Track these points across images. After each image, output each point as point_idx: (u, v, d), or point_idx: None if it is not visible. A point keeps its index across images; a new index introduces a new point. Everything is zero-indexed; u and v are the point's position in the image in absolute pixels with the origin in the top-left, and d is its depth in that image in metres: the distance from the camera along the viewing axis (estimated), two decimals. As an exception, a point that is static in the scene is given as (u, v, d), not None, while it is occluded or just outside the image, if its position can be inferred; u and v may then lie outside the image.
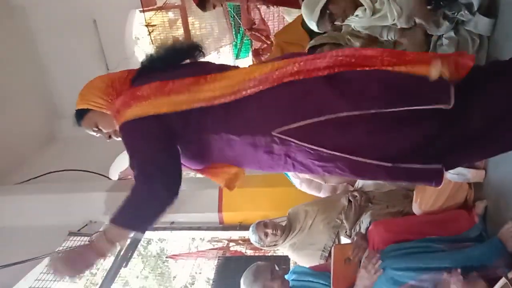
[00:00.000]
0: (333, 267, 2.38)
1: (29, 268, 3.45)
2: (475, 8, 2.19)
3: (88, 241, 1.50)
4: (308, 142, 1.51)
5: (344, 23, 2.59)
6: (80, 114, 1.73)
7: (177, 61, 1.75)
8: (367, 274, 2.11)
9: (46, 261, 3.54)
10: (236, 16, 6.85)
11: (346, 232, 2.78)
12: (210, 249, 5.42)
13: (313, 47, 2.78)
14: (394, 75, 1.45)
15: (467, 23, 2.29)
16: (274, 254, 4.16)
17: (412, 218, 2.52)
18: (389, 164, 1.50)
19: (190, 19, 6.42)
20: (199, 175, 1.95)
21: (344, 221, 2.81)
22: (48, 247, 3.54)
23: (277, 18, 6.80)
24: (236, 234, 4.52)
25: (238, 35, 7.26)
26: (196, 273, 10.73)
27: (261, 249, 3.51)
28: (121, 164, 5.15)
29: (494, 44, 2.22)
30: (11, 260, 3.28)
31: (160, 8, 6.08)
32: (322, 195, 3.29)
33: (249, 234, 3.07)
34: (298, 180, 3.29)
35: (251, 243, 3.15)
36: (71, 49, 5.59)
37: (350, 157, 1.50)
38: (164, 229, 4.13)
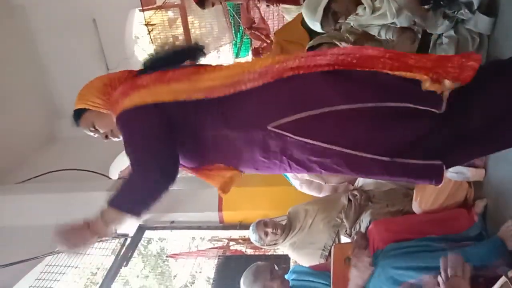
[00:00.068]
0: (333, 266, 2.38)
1: (30, 267, 3.45)
2: (475, 6, 2.18)
3: (85, 220, 1.51)
4: (304, 135, 1.50)
5: (345, 21, 2.59)
6: (78, 114, 1.73)
7: (178, 61, 1.75)
8: (358, 273, 2.12)
9: (46, 260, 3.55)
10: (235, 15, 6.85)
11: (346, 231, 2.78)
12: (210, 248, 5.42)
13: (311, 47, 2.78)
14: (392, 77, 1.47)
15: (467, 22, 2.29)
16: (274, 253, 4.17)
17: (412, 217, 2.52)
18: (386, 159, 1.49)
19: (189, 18, 6.43)
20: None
21: (344, 220, 2.81)
22: (48, 247, 3.55)
23: (276, 17, 6.81)
24: (236, 233, 4.52)
25: (238, 34, 7.26)
26: (196, 272, 10.75)
27: (261, 248, 3.52)
28: (121, 163, 5.15)
29: (494, 43, 2.22)
30: (12, 260, 3.28)
31: (159, 7, 6.09)
32: (322, 195, 3.28)
33: (249, 233, 3.07)
34: (298, 181, 3.29)
35: (251, 242, 3.15)
36: (71, 49, 5.59)
37: (346, 150, 1.49)
38: (164, 228, 4.13)
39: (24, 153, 5.19)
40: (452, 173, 2.31)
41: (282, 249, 3.16)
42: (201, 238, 8.39)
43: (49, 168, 4.73)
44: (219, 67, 1.65)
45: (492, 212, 2.22)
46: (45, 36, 5.54)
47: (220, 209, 3.95)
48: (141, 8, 5.79)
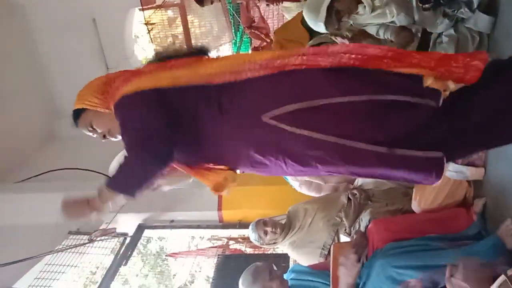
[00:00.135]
0: (332, 265, 2.38)
1: (29, 266, 3.45)
2: (475, 5, 2.19)
3: (86, 197, 1.59)
4: (299, 126, 1.50)
5: (348, 20, 2.59)
6: (77, 115, 1.73)
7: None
8: (346, 271, 2.13)
9: (46, 259, 3.55)
10: (235, 14, 6.85)
11: (345, 230, 2.78)
12: (209, 247, 5.42)
13: (311, 46, 2.78)
14: (393, 73, 1.48)
15: (467, 20, 2.29)
16: (274, 252, 4.17)
17: (411, 216, 2.52)
18: (384, 150, 1.47)
19: (189, 17, 6.42)
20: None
21: (344, 219, 2.81)
22: (47, 246, 3.55)
23: (276, 16, 6.81)
24: (235, 232, 4.53)
25: (238, 33, 7.26)
26: (195, 271, 10.75)
27: (261, 247, 3.52)
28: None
29: (494, 42, 2.22)
30: (11, 259, 3.28)
31: (159, 7, 6.08)
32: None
33: (248, 232, 3.06)
34: (297, 182, 3.29)
35: (251, 241, 3.14)
36: (71, 48, 5.58)
37: (342, 141, 1.48)
38: (164, 227, 4.13)
39: (24, 152, 5.19)
40: (452, 172, 2.31)
41: (282, 248, 3.16)
42: (200, 237, 8.39)
43: (49, 167, 4.72)
44: (220, 57, 1.68)
45: (491, 211, 2.22)
46: (45, 36, 5.53)
47: (219, 208, 3.96)
48: (140, 7, 5.78)
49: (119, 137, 1.67)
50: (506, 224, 1.94)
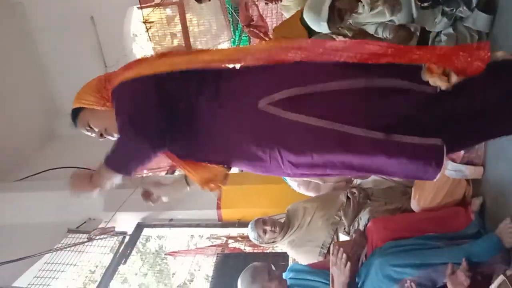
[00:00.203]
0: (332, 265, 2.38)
1: (29, 265, 3.45)
2: (474, 4, 2.19)
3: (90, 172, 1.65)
4: (295, 111, 1.49)
5: (350, 18, 2.59)
6: (75, 114, 1.74)
7: None
8: (338, 270, 2.14)
9: (45, 258, 3.55)
10: (234, 13, 6.84)
11: (344, 228, 2.78)
12: (208, 246, 5.43)
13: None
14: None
15: (466, 19, 2.30)
16: (273, 251, 4.17)
17: (410, 215, 2.52)
18: (380, 135, 1.45)
19: (188, 16, 6.42)
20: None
21: (343, 218, 2.81)
22: (47, 245, 3.55)
23: (275, 15, 6.80)
24: (234, 231, 4.53)
25: (236, 31, 7.24)
26: (195, 270, 10.75)
27: (260, 246, 3.52)
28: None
29: (493, 41, 2.22)
30: (11, 257, 3.28)
31: (158, 5, 6.08)
32: (321, 195, 3.28)
33: (247, 231, 3.06)
34: (295, 182, 3.29)
35: (250, 240, 3.14)
36: (69, 47, 5.58)
37: (338, 126, 1.46)
38: (163, 226, 4.13)
39: (23, 151, 5.19)
40: (451, 171, 2.31)
41: (281, 247, 3.16)
42: (199, 236, 8.40)
43: (48, 166, 4.72)
44: (219, 49, 1.73)
45: (490, 210, 2.22)
46: (44, 34, 5.53)
47: (218, 207, 3.96)
48: (139, 6, 5.78)
49: (116, 136, 1.67)
50: (505, 223, 1.94)
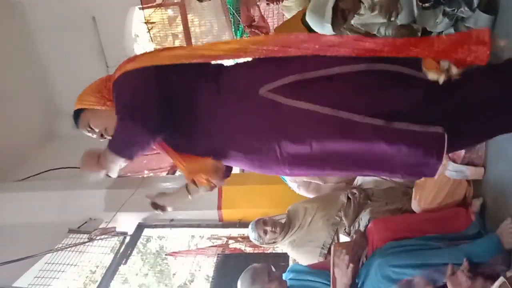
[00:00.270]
0: (332, 265, 2.37)
1: (29, 265, 3.45)
2: (475, 4, 2.18)
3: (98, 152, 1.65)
4: (296, 98, 1.50)
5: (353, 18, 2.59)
6: (76, 116, 1.75)
7: None
8: (340, 272, 2.14)
9: (45, 258, 3.55)
10: (235, 13, 6.85)
11: (345, 229, 2.78)
12: (209, 247, 5.43)
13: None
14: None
15: (467, 19, 2.29)
16: (273, 252, 4.16)
17: (411, 216, 2.52)
18: (381, 122, 1.44)
19: (189, 16, 6.43)
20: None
21: (343, 218, 2.81)
22: (47, 245, 3.55)
23: (276, 15, 6.81)
24: (235, 232, 4.53)
25: (238, 32, 7.26)
26: (195, 270, 10.75)
27: (260, 247, 3.52)
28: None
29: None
30: (11, 257, 3.28)
31: (159, 5, 6.09)
32: (321, 196, 3.28)
33: (248, 232, 3.06)
34: (295, 183, 3.29)
35: (250, 241, 3.14)
36: (71, 47, 5.59)
37: (339, 112, 1.46)
38: (164, 226, 4.13)
39: (24, 151, 5.20)
40: (451, 172, 2.31)
41: (281, 247, 3.15)
42: (200, 236, 8.38)
43: (49, 166, 4.72)
44: (221, 41, 1.73)
45: (491, 210, 2.22)
46: (45, 34, 5.53)
47: (219, 207, 3.96)
48: (140, 6, 5.79)
49: None
50: (506, 223, 1.94)
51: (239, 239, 4.87)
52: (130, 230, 4.04)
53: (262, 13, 6.28)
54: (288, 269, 2.66)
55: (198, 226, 4.07)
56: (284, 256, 3.76)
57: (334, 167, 1.59)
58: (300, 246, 2.93)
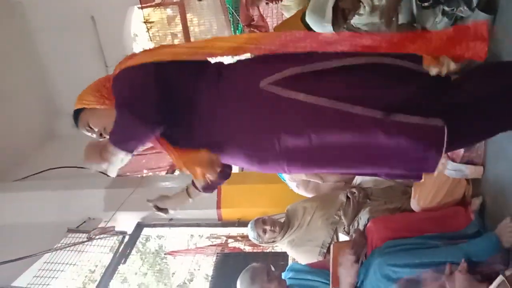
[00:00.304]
0: (332, 265, 2.38)
1: (28, 264, 3.45)
2: (474, 4, 2.18)
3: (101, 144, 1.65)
4: (296, 90, 1.50)
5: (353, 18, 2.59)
6: (76, 115, 1.75)
7: None
8: (345, 271, 2.14)
9: (44, 258, 3.55)
10: (234, 13, 6.84)
11: (344, 228, 2.78)
12: (208, 246, 5.43)
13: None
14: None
15: (466, 19, 2.29)
16: (273, 251, 4.17)
17: (410, 215, 2.52)
18: (380, 114, 1.43)
19: (188, 16, 6.43)
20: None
21: (343, 218, 2.81)
22: (46, 244, 3.55)
23: (275, 15, 6.80)
24: (234, 231, 4.53)
25: (237, 31, 7.25)
26: (194, 269, 10.76)
27: (260, 246, 3.52)
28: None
29: (494, 41, 2.21)
30: (10, 257, 3.28)
31: (158, 5, 6.09)
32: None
33: (247, 231, 3.06)
34: (294, 183, 3.29)
35: (250, 240, 3.14)
36: (70, 47, 5.59)
37: (338, 104, 1.46)
38: (163, 225, 4.13)
39: (23, 150, 5.19)
40: (451, 171, 2.31)
41: (281, 246, 3.16)
42: (199, 235, 8.39)
43: (49, 166, 4.73)
44: (221, 38, 1.74)
45: (490, 209, 2.22)
46: (43, 34, 5.53)
47: (218, 207, 3.95)
48: (139, 6, 5.79)
49: None
50: (505, 222, 1.94)
51: (238, 238, 4.88)
52: (129, 230, 4.04)
53: (261, 13, 6.27)
54: (287, 268, 2.66)
55: (197, 225, 4.07)
56: (284, 255, 3.77)
57: (333, 163, 1.59)
58: (299, 246, 2.93)
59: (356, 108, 1.44)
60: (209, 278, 4.46)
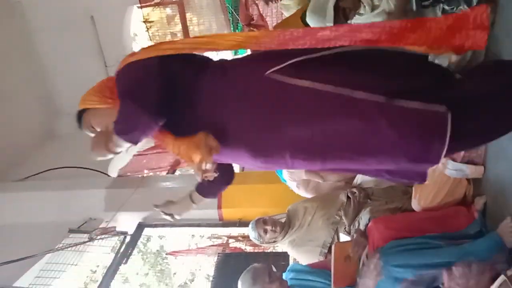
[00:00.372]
0: (333, 265, 2.38)
1: (30, 265, 3.46)
2: (474, 3, 2.18)
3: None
4: (301, 77, 1.51)
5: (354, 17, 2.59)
6: (79, 117, 1.76)
7: None
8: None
9: (46, 258, 3.55)
10: (234, 12, 6.84)
11: (345, 228, 2.78)
12: (209, 246, 5.43)
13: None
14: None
15: (466, 18, 2.29)
16: (274, 251, 4.17)
17: (411, 215, 2.52)
18: (381, 98, 1.44)
19: (188, 15, 6.43)
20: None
21: (343, 218, 2.81)
22: (48, 244, 3.55)
23: (275, 14, 6.79)
24: (235, 231, 4.53)
25: (236, 31, 7.25)
26: (195, 269, 10.78)
27: (260, 246, 3.52)
28: (120, 161, 5.15)
29: (494, 40, 2.21)
30: (12, 257, 3.28)
31: (158, 4, 6.09)
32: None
33: (248, 231, 3.06)
34: (294, 183, 3.29)
35: (251, 240, 3.15)
36: (69, 46, 5.59)
37: (340, 89, 1.46)
38: (164, 226, 4.13)
39: (23, 150, 5.19)
40: (451, 170, 2.31)
41: (281, 246, 3.16)
42: (200, 235, 8.40)
43: (49, 166, 4.72)
44: (221, 35, 1.72)
45: (491, 209, 2.22)
46: (43, 34, 5.53)
47: (219, 207, 3.96)
48: (139, 5, 5.79)
49: None
50: (506, 222, 1.94)
51: (239, 238, 4.88)
52: (130, 230, 4.04)
53: (261, 12, 6.27)
54: (288, 269, 2.66)
55: (199, 225, 4.07)
56: (285, 255, 3.77)
57: (335, 154, 1.57)
58: (300, 246, 2.93)
59: (358, 92, 1.45)
60: (211, 278, 4.47)
